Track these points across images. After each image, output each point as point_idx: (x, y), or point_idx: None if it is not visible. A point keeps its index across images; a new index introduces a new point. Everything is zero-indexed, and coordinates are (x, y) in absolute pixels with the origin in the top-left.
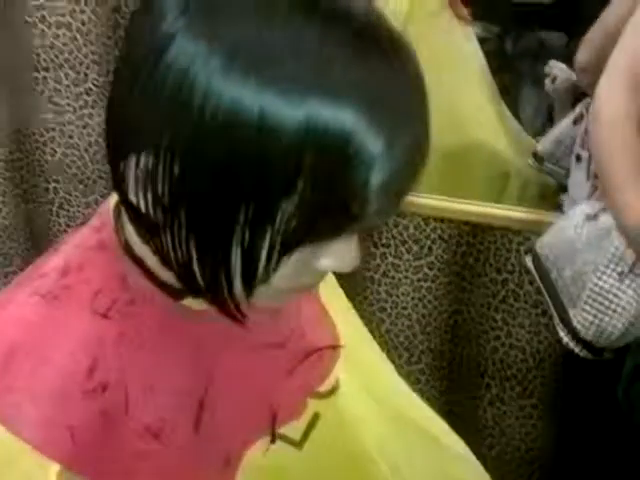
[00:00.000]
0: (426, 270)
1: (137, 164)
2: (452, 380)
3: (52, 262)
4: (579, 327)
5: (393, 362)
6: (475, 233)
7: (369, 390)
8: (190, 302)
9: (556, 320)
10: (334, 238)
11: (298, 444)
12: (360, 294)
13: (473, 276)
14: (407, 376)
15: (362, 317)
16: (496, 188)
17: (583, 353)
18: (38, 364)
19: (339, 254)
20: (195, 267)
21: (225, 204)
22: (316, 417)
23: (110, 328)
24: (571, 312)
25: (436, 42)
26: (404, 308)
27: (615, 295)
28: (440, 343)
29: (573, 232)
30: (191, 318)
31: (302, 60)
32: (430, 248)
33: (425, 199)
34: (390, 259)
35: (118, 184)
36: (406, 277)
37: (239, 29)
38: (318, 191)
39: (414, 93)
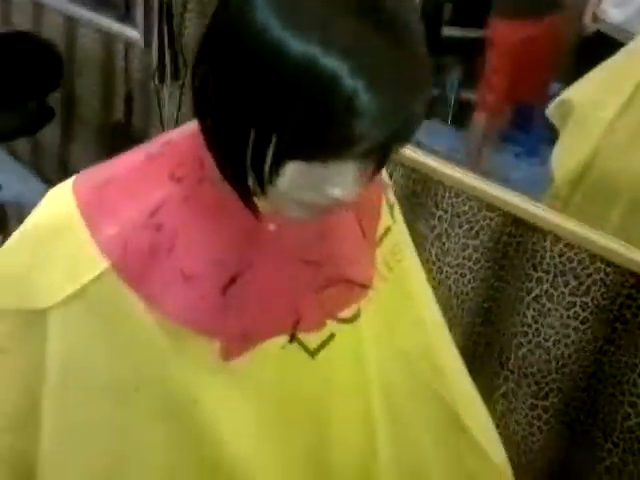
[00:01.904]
0: (578, 309)
1: (202, 74)
2: (574, 431)
3: (168, 135)
4: None
5: (519, 389)
6: None
7: (399, 343)
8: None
9: None
10: (331, 159)
11: (312, 352)
12: (507, 311)
13: (626, 331)
14: (531, 408)
15: (502, 335)
16: None
17: None
18: (122, 193)
19: (342, 182)
20: (222, 162)
21: (244, 113)
22: (332, 336)
23: (179, 191)
24: None
25: None
26: (545, 340)
27: None
28: (573, 389)
29: None
30: (248, 214)
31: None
32: (589, 288)
33: (598, 236)
34: (545, 286)
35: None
36: (556, 309)
37: None
38: (310, 113)
39: (403, 54)
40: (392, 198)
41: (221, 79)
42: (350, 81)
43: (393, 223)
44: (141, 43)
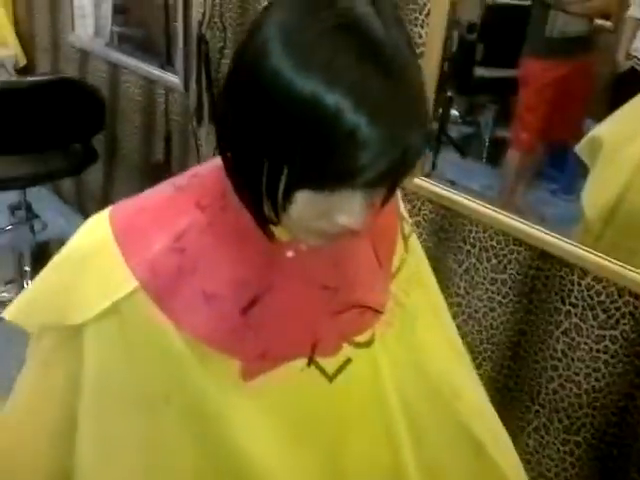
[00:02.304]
0: (608, 343)
1: (223, 113)
2: (606, 467)
3: (195, 169)
4: None
5: (550, 424)
6: None
7: (419, 365)
8: (274, 230)
9: None
10: (338, 188)
11: (329, 377)
12: (536, 345)
13: None
14: (563, 443)
15: (532, 369)
16: None
17: None
18: (152, 220)
19: (349, 211)
20: (241, 191)
21: (258, 147)
22: (348, 361)
23: (202, 218)
24: None
25: None
26: (576, 374)
27: None
28: (605, 423)
29: None
30: (267, 241)
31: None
32: (617, 321)
33: (626, 270)
34: (574, 319)
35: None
36: (586, 343)
37: (293, 26)
38: (317, 146)
39: (401, 91)
40: (408, 229)
41: (239, 116)
42: (352, 116)
43: (407, 254)
44: (181, 88)
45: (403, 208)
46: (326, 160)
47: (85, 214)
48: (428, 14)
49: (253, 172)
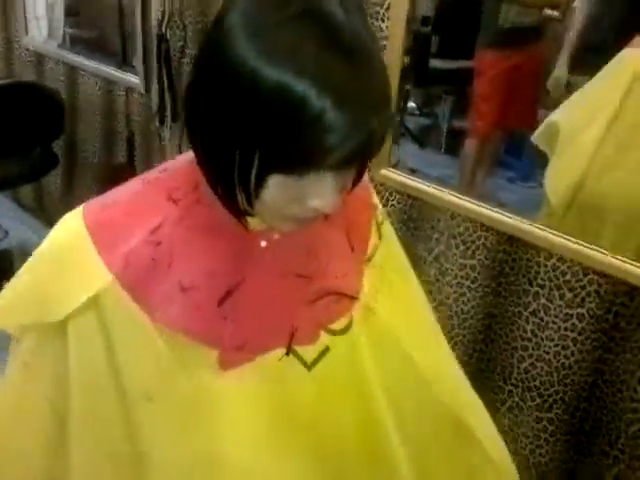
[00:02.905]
0: (575, 320)
1: (192, 104)
2: (580, 441)
3: (164, 164)
4: None
5: (523, 403)
6: (633, 295)
7: (400, 349)
8: (249, 220)
9: None
10: (307, 171)
11: (308, 366)
12: (507, 327)
13: (623, 339)
14: (536, 421)
15: (503, 350)
16: None
17: None
18: (124, 214)
19: (320, 194)
20: (214, 182)
21: (229, 135)
22: (327, 349)
23: (176, 211)
24: None
25: None
26: (546, 352)
27: None
28: (576, 398)
29: None
30: (240, 232)
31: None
32: (583, 299)
33: (589, 250)
34: (542, 300)
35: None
36: (554, 322)
37: (257, 14)
38: (286, 131)
39: (363, 76)
40: (380, 217)
41: (207, 106)
42: (318, 101)
43: (380, 240)
44: (141, 88)
45: (375, 197)
46: (295, 144)
47: (46, 221)
48: (388, 8)
49: (224, 160)
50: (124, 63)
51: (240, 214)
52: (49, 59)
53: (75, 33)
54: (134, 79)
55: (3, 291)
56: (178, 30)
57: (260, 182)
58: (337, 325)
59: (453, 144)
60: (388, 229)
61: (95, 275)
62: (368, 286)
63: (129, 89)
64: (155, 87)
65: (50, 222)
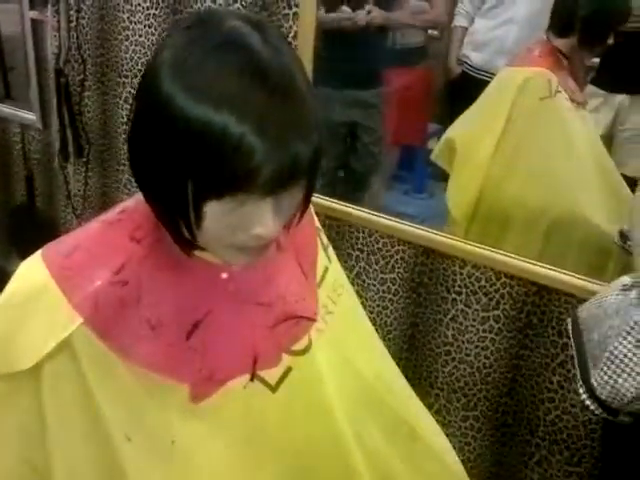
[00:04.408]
0: (492, 322)
1: (132, 143)
2: (504, 433)
3: (122, 205)
4: (596, 385)
5: (450, 404)
6: (542, 294)
7: (351, 366)
8: (206, 255)
9: (577, 378)
10: (237, 195)
11: (272, 388)
12: (429, 334)
13: (536, 335)
14: (463, 420)
15: (427, 357)
16: (596, 263)
17: (598, 411)
18: (88, 258)
19: (261, 221)
20: (160, 216)
21: (163, 168)
22: (289, 370)
23: (139, 250)
24: (592, 372)
25: (547, 124)
26: (467, 355)
27: (631, 359)
28: (498, 395)
29: (608, 299)
30: (202, 266)
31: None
32: (498, 302)
33: (500, 255)
34: (460, 306)
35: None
36: (473, 325)
37: (182, 49)
38: (211, 159)
39: (282, 101)
40: (325, 240)
41: (143, 142)
42: (237, 128)
43: (329, 262)
44: (38, 124)
45: (317, 220)
46: (221, 170)
47: None
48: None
49: (162, 193)
50: (7, 97)
51: (187, 247)
52: None
53: None
54: (29, 115)
55: None
56: (77, 64)
57: (198, 212)
58: (297, 346)
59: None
60: (332, 251)
61: (65, 320)
62: (322, 310)
63: (24, 126)
64: (56, 123)
65: None
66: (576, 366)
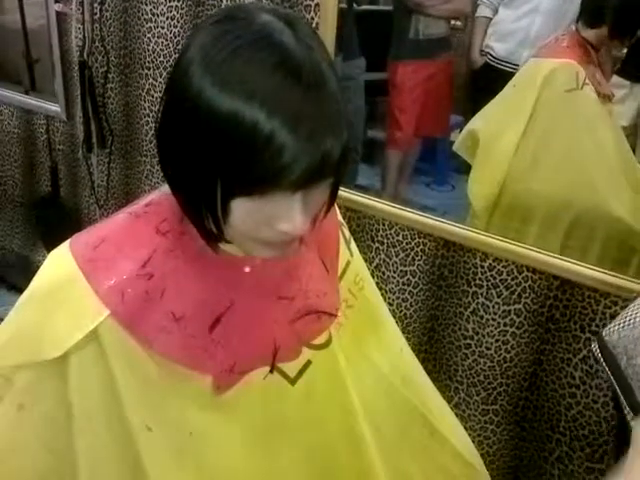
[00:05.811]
0: (513, 316)
1: (162, 138)
2: (524, 428)
3: (148, 197)
4: None
5: (470, 398)
6: (564, 288)
7: (369, 360)
8: (230, 248)
9: (624, 405)
10: (266, 191)
11: (291, 380)
12: (449, 327)
13: (558, 330)
14: (483, 414)
15: (447, 350)
16: (619, 258)
17: None
18: (115, 250)
19: (288, 217)
20: (187, 211)
21: (193, 164)
22: (308, 363)
23: (164, 243)
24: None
25: (572, 117)
26: (488, 348)
27: None
28: (518, 389)
29: None
30: (225, 259)
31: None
32: (520, 295)
33: (522, 248)
34: (481, 299)
35: (158, 152)
36: (494, 319)
37: (211, 45)
38: (242, 154)
39: (314, 97)
40: (347, 234)
41: (173, 138)
42: (268, 123)
43: (351, 256)
44: (63, 116)
45: (339, 215)
46: (251, 166)
47: None
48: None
49: (190, 188)
50: (32, 89)
51: (212, 240)
52: None
53: None
54: (54, 107)
55: None
56: (100, 56)
57: (225, 207)
58: (318, 340)
59: (369, 154)
60: (354, 245)
61: (93, 311)
62: (343, 304)
63: (50, 118)
64: (79, 115)
65: None
66: (619, 393)
